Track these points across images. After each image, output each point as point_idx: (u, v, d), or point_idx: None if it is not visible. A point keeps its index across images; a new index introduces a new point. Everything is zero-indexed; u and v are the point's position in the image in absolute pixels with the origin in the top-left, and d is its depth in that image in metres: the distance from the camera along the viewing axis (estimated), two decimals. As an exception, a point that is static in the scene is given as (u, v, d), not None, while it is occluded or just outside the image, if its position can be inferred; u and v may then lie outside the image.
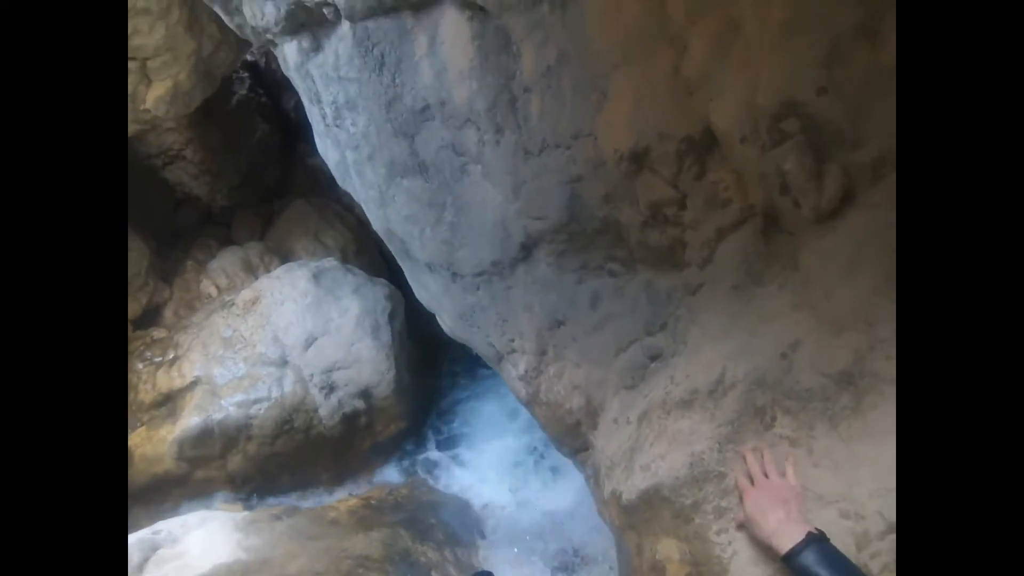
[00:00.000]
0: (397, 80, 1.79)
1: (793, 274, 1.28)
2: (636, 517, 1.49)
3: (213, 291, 3.55)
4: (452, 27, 1.63)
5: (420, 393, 3.45)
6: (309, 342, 3.11)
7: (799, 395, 1.18)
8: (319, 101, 2.10)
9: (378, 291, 3.34)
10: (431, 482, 3.12)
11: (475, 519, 2.82)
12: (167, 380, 3.09)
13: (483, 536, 2.71)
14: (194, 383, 3.05)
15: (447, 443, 3.33)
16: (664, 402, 1.43)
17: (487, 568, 2.36)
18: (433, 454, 3.28)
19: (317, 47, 1.96)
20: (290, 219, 4.04)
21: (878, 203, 1.13)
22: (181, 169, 4.09)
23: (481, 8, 1.54)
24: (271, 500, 3.02)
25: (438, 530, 2.70)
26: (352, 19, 1.76)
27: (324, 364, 3.08)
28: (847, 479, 1.08)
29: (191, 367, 3.08)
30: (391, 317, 3.29)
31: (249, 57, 4.52)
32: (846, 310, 1.14)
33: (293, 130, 4.64)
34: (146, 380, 3.13)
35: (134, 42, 2.71)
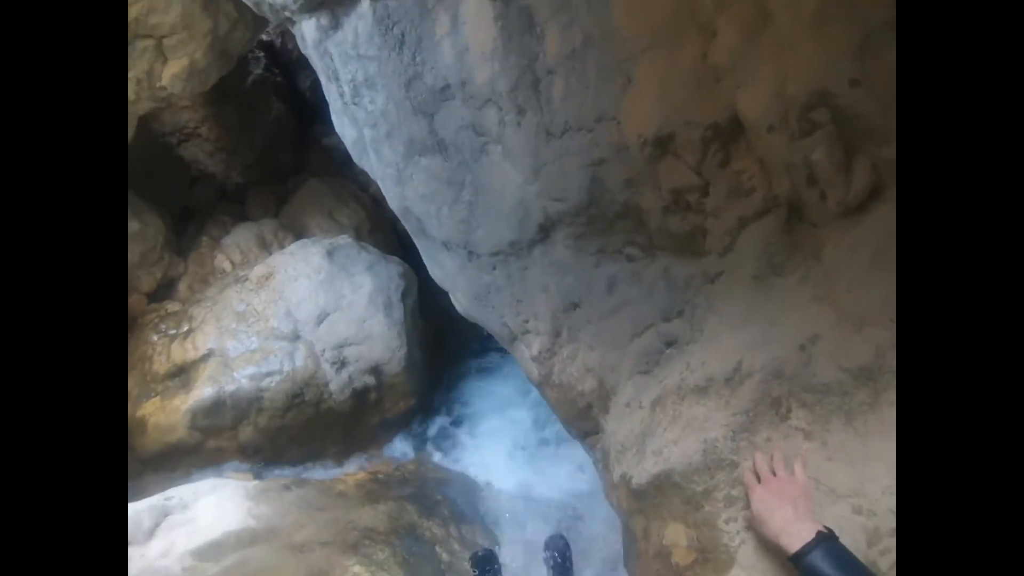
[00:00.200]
0: (417, 59, 1.78)
1: (815, 266, 1.27)
2: (645, 502, 1.51)
3: (227, 266, 3.58)
4: (475, 7, 1.61)
5: (430, 371, 3.48)
6: (321, 318, 3.14)
7: (816, 388, 1.18)
8: (337, 79, 2.08)
9: (391, 269, 3.36)
10: (438, 460, 3.16)
11: (481, 497, 2.86)
12: (181, 352, 3.14)
13: (488, 515, 2.75)
14: (207, 355, 3.10)
15: (455, 422, 3.36)
16: (679, 388, 1.44)
17: (490, 547, 2.40)
18: (441, 432, 3.32)
19: (336, 25, 1.94)
20: (304, 197, 4.05)
21: (905, 199, 1.11)
22: (196, 147, 4.09)
23: (504, -13, 1.52)
24: (280, 471, 3.08)
25: (444, 506, 2.75)
26: (373, -4, 1.75)
27: (336, 340, 3.10)
28: (860, 475, 1.08)
29: (205, 340, 3.12)
30: (404, 295, 3.30)
31: (265, 37, 4.49)
32: (868, 305, 1.13)
33: (308, 110, 4.62)
34: (160, 352, 3.17)
35: (151, 20, 2.70)
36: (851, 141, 1.17)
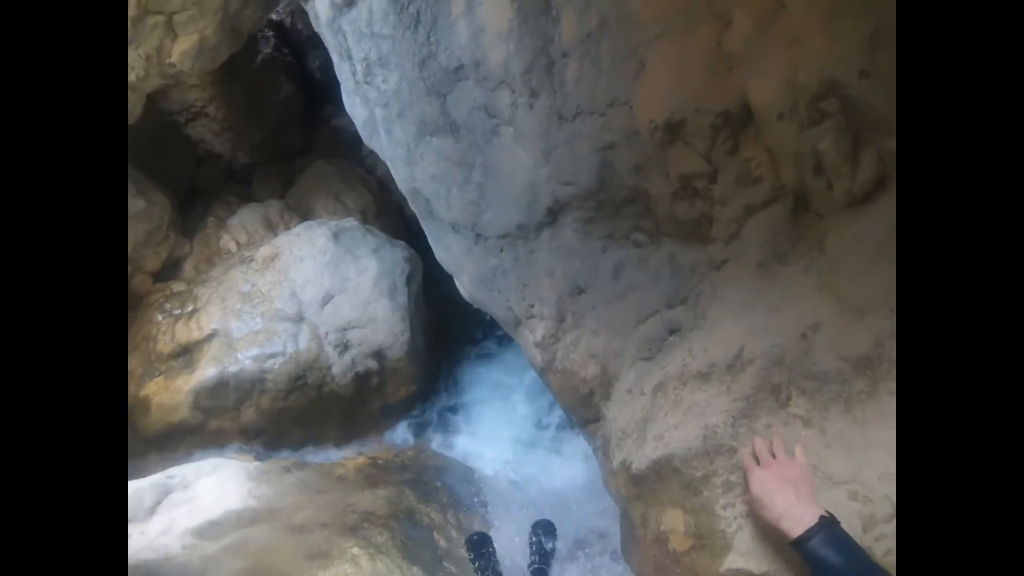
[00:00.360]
0: (432, 38, 1.78)
1: (819, 256, 1.28)
2: (644, 487, 1.52)
3: (233, 246, 3.58)
4: (491, -12, 1.61)
5: (433, 358, 3.48)
6: (326, 300, 3.14)
7: (816, 376, 1.19)
8: (350, 57, 2.08)
9: (397, 253, 3.36)
10: (438, 446, 3.18)
11: (479, 486, 2.87)
12: (185, 332, 3.14)
13: (486, 503, 2.76)
14: (211, 335, 3.10)
15: (455, 409, 3.37)
16: (681, 374, 1.44)
17: (484, 531, 2.42)
18: (441, 419, 3.33)
19: (350, 3, 1.94)
20: (311, 179, 4.05)
21: (910, 191, 1.12)
22: (204, 126, 4.08)
23: (522, -30, 1.52)
24: (281, 454, 3.10)
25: (443, 493, 2.76)
26: (389, -26, 1.75)
27: (339, 322, 3.11)
28: (857, 461, 1.09)
29: (209, 320, 3.13)
30: (409, 279, 3.30)
31: (275, 16, 4.47)
32: (870, 296, 1.14)
33: (318, 91, 4.60)
34: (165, 331, 3.18)
35: (161, -4, 2.69)
36: (859, 132, 1.18)
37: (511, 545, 2.39)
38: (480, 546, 2.26)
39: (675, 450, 1.38)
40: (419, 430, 3.29)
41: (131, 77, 2.84)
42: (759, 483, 1.10)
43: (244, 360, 3.00)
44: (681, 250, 1.58)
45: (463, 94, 1.80)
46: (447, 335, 3.71)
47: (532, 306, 2.04)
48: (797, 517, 1.00)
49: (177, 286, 3.43)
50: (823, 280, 1.28)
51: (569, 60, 1.55)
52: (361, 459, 2.99)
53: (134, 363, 3.12)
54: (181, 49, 2.81)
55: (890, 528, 1.02)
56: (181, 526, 2.08)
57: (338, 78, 2.27)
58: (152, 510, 2.18)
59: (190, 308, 3.22)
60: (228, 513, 2.22)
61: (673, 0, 1.36)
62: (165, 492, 2.28)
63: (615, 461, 1.71)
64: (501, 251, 2.03)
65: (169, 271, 3.52)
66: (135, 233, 3.28)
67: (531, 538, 2.34)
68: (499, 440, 3.12)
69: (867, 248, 1.19)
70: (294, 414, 3.08)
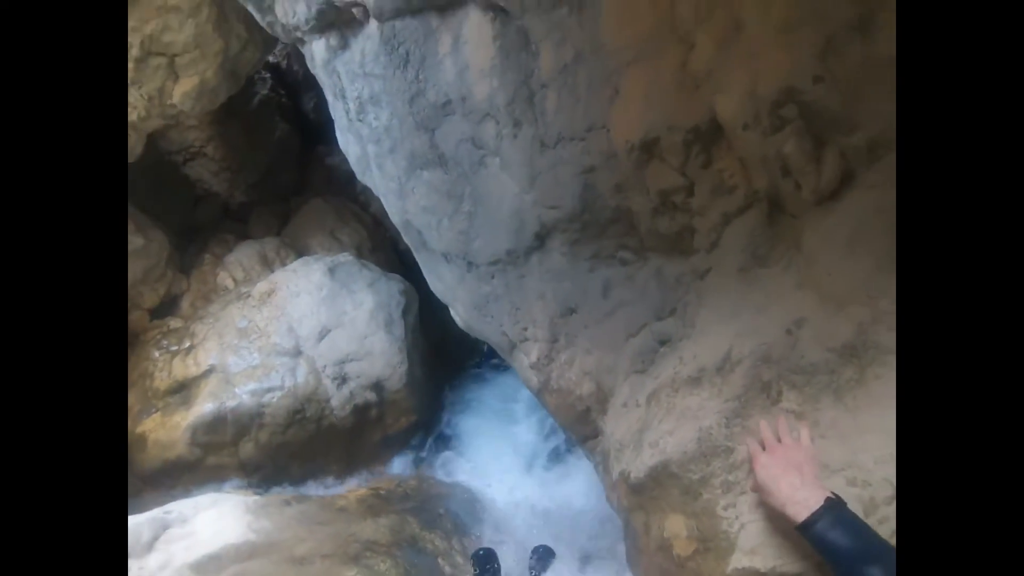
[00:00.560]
0: (421, 76, 1.88)
1: (797, 255, 1.34)
2: (644, 495, 1.53)
3: (230, 283, 3.63)
4: (475, 27, 1.72)
5: (431, 388, 3.50)
6: (323, 334, 3.18)
7: (804, 369, 1.22)
8: (344, 97, 2.19)
9: (392, 286, 3.41)
10: (440, 474, 3.16)
11: (483, 510, 2.86)
12: (182, 368, 3.16)
13: (490, 527, 2.75)
14: (209, 371, 3.12)
15: (456, 437, 3.37)
16: (673, 381, 1.48)
17: (490, 547, 2.42)
18: (442, 447, 3.32)
19: (344, 45, 2.06)
20: (307, 216, 4.14)
21: (875, 183, 1.19)
22: (202, 166, 4.19)
23: (503, 10, 1.63)
24: (281, 488, 3.07)
25: (446, 520, 2.74)
26: (380, 19, 1.86)
27: (337, 356, 3.14)
28: (853, 447, 1.10)
29: (206, 356, 3.15)
30: (405, 312, 3.35)
31: (271, 58, 4.65)
32: (848, 286, 1.20)
33: (312, 130, 4.75)
34: (162, 368, 3.20)
35: (164, 38, 2.82)
36: (819, 133, 1.26)
37: (518, 567, 2.38)
38: (486, 561, 2.27)
39: (671, 455, 1.40)
40: (420, 459, 3.28)
41: (132, 117, 2.94)
42: (764, 469, 1.08)
43: (242, 395, 3.02)
44: (666, 263, 1.64)
45: (451, 128, 1.89)
46: (444, 364, 3.74)
47: (525, 329, 2.09)
48: (802, 501, 0.98)
49: (174, 323, 3.46)
50: (802, 277, 1.33)
51: (548, 91, 1.64)
52: (363, 490, 2.97)
53: (131, 400, 3.13)
54: (182, 90, 2.93)
55: (891, 510, 1.02)
56: (179, 561, 2.07)
57: (332, 117, 2.37)
58: (150, 545, 2.16)
59: (187, 344, 3.25)
60: (227, 547, 2.20)
61: (641, 28, 1.46)
62: (163, 527, 2.26)
63: (614, 473, 1.73)
64: (492, 278, 2.09)
65: (166, 308, 3.56)
66: (133, 270, 3.33)
67: (530, 562, 2.33)
68: (501, 464, 3.12)
69: (840, 242, 1.25)
70: (293, 448, 3.08)
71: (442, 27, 1.78)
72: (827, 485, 1.06)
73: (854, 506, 1.03)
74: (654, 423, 1.51)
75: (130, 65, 2.79)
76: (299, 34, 2.13)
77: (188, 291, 3.63)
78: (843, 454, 1.11)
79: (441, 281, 2.42)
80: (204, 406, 3.00)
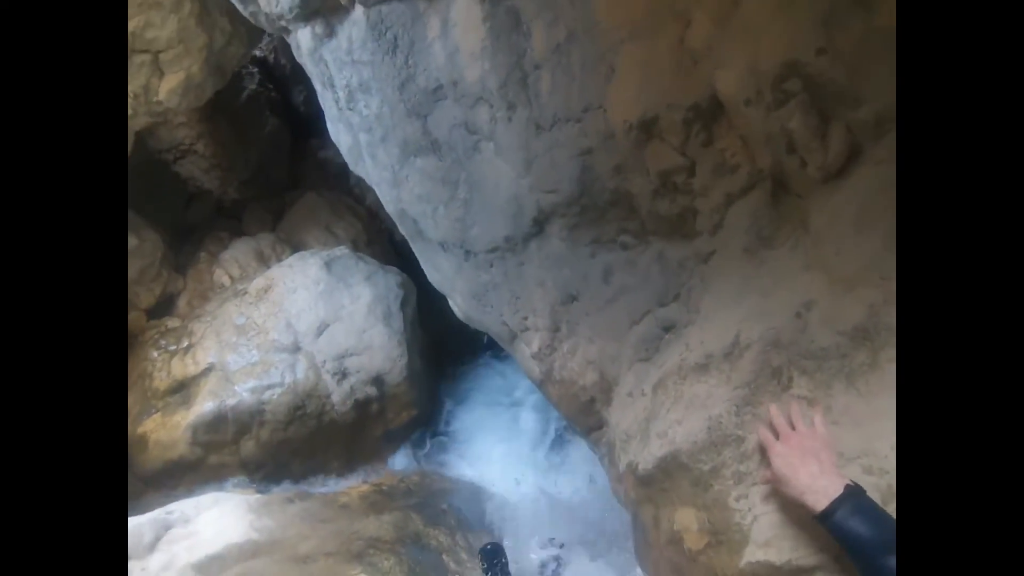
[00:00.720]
0: (410, 62, 1.82)
1: (804, 235, 1.29)
2: (653, 488, 1.49)
3: (226, 280, 3.59)
4: (464, 9, 1.66)
5: (432, 381, 3.47)
6: (321, 329, 3.14)
7: (815, 354, 1.18)
8: (332, 86, 2.13)
9: (390, 279, 3.37)
10: (442, 469, 3.14)
11: (487, 505, 2.84)
12: (181, 367, 3.13)
13: (495, 521, 2.73)
14: (208, 370, 3.09)
15: (459, 430, 3.35)
16: (679, 368, 1.44)
17: (497, 541, 2.40)
18: (445, 441, 3.30)
19: (331, 32, 1.99)
20: (301, 211, 4.09)
21: (883, 159, 1.14)
22: (192, 164, 4.13)
23: (492, -10, 1.57)
24: (283, 486, 3.05)
25: (450, 516, 2.72)
26: (366, 4, 1.80)
27: (336, 351, 3.10)
28: (867, 434, 1.06)
29: (205, 354, 3.12)
30: (403, 304, 3.31)
31: (258, 52, 4.57)
32: (857, 266, 1.15)
33: (303, 124, 4.68)
34: (161, 368, 3.17)
35: (147, 35, 2.76)
36: (824, 107, 1.20)
37: (524, 560, 2.36)
38: (493, 556, 2.25)
39: (680, 445, 1.36)
40: (422, 454, 3.26)
41: (120, 116, 2.89)
42: (780, 458, 1.05)
43: (242, 392, 2.98)
44: (668, 247, 1.59)
45: (443, 113, 1.84)
46: (445, 356, 3.71)
47: (526, 318, 2.04)
48: (821, 489, 0.95)
49: (172, 322, 3.43)
50: (810, 258, 1.29)
51: (542, 72, 1.59)
52: (365, 487, 2.95)
53: (131, 401, 3.10)
54: (168, 87, 2.88)
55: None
56: (182, 561, 2.05)
57: (322, 107, 2.31)
58: (152, 546, 2.14)
59: (185, 343, 3.21)
60: (230, 546, 2.18)
61: (636, 5, 1.40)
62: (165, 528, 2.25)
63: (621, 465, 1.69)
64: (491, 266, 2.05)
65: (163, 307, 3.52)
66: (128, 271, 3.30)
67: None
68: (504, 457, 3.10)
69: (848, 220, 1.20)
70: (295, 445, 3.05)
71: (430, 10, 1.72)
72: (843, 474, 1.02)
73: (872, 495, 0.99)
74: (661, 412, 1.47)
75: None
76: (283, 23, 2.07)
77: (184, 290, 3.59)
78: (858, 441, 1.07)
79: (438, 271, 2.37)
80: (204, 405, 2.97)
